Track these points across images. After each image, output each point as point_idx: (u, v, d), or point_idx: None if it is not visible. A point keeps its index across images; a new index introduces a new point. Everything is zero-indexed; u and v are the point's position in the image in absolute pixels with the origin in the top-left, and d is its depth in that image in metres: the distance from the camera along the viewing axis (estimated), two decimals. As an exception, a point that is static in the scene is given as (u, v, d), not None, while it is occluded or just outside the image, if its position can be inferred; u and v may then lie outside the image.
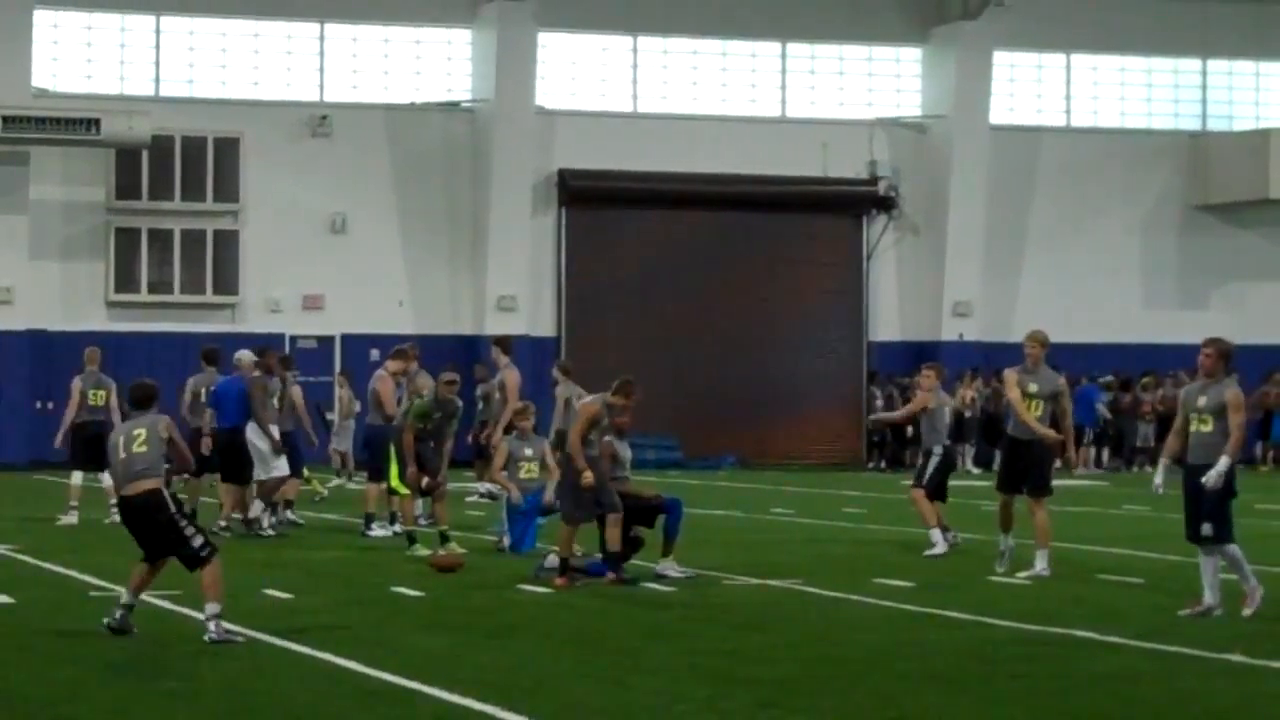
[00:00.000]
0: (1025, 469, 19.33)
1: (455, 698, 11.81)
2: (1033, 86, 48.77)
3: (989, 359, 46.10)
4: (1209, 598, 15.76)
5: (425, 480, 21.62)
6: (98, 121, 40.69)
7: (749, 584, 18.48)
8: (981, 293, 46.90)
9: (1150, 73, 49.52)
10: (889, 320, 47.17)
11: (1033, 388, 19.17)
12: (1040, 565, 19.12)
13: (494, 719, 11.28)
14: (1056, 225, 47.92)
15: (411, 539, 21.63)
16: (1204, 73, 49.87)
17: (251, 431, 24.01)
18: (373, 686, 12.41)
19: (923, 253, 47.09)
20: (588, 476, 18.14)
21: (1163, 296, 48.58)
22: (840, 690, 12.38)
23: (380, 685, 12.43)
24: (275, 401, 24.40)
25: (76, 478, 25.93)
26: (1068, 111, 49.04)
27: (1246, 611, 15.69)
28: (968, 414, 44.01)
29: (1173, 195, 48.95)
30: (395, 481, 22.25)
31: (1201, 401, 15.80)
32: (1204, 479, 15.61)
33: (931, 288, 46.91)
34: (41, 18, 42.21)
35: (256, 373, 24.45)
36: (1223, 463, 15.62)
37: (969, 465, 44.27)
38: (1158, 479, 16.56)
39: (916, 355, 46.30)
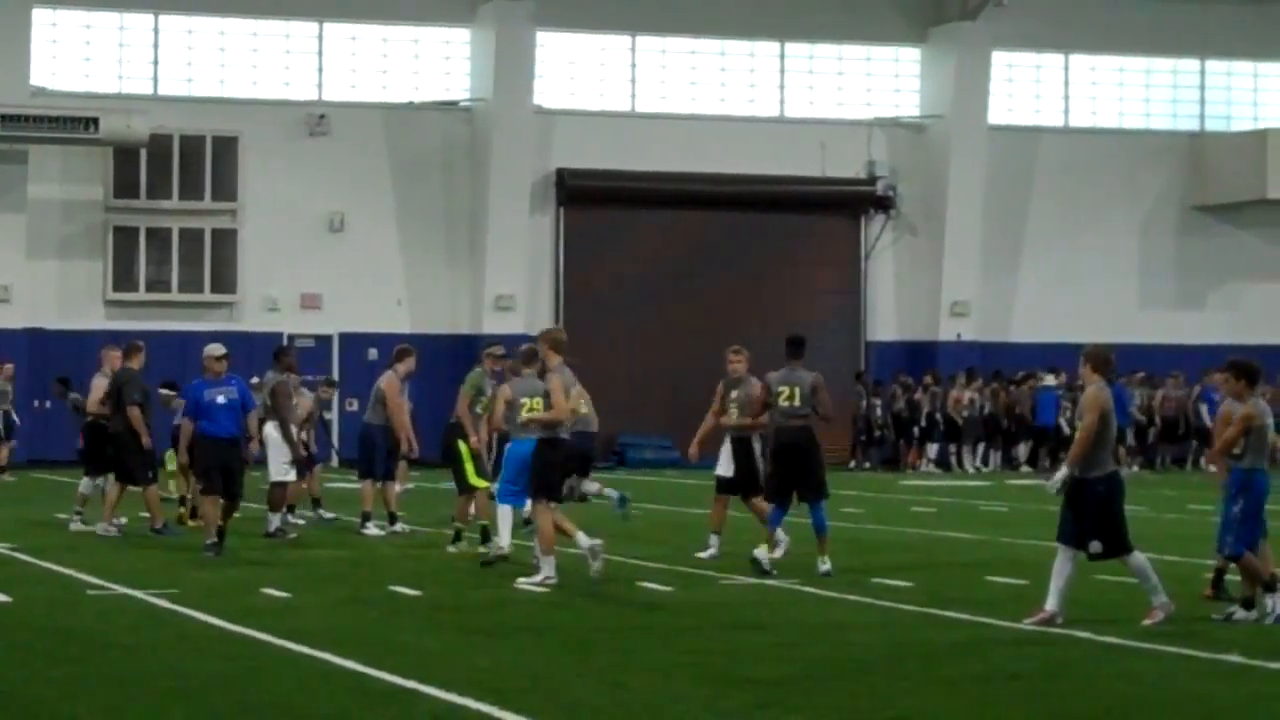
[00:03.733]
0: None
1: (453, 697, 11.81)
2: (1031, 87, 48.73)
3: (987, 358, 46.13)
4: (1051, 604, 15.31)
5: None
6: (96, 120, 40.66)
7: (747, 584, 18.49)
8: (979, 292, 46.88)
9: (1149, 73, 49.50)
10: (887, 320, 47.11)
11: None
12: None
13: (491, 718, 11.29)
14: (1054, 225, 47.87)
15: (458, 536, 21.94)
16: (1202, 73, 49.84)
17: (271, 430, 23.85)
18: (370, 686, 12.41)
19: (921, 252, 47.07)
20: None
21: (1160, 296, 48.57)
22: (838, 690, 12.38)
23: (378, 685, 12.43)
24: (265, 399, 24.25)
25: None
26: (1066, 111, 49.01)
27: (1146, 622, 15.24)
28: (965, 414, 44.06)
29: (1171, 195, 48.92)
30: (473, 478, 21.93)
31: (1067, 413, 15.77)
32: (1045, 485, 15.42)
33: (929, 287, 46.87)
34: (40, 16, 42.16)
35: (270, 373, 24.48)
36: (1062, 471, 15.52)
37: (970, 464, 44.27)
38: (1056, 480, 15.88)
39: (914, 355, 46.41)
